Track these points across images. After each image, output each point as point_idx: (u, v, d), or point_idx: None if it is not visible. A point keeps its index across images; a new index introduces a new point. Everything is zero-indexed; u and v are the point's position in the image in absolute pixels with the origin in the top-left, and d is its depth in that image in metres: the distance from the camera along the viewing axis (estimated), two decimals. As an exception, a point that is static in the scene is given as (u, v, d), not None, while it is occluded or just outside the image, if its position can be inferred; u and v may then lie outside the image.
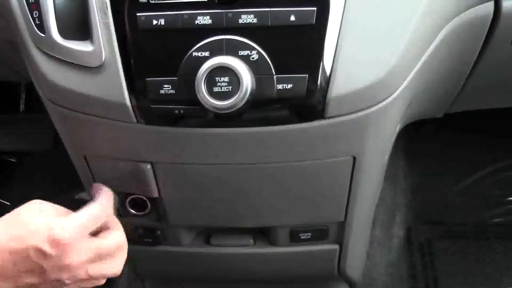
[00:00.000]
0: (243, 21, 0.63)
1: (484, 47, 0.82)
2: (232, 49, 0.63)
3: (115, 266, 0.68)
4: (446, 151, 1.58)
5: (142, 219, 0.88)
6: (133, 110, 0.68)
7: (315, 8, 0.63)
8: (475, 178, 1.55)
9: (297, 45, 0.64)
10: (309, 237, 0.93)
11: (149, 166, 0.77)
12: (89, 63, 0.66)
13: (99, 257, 0.66)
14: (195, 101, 0.63)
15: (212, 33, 0.64)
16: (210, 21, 0.63)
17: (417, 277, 1.41)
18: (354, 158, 0.77)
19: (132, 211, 0.86)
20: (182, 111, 0.67)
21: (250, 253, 1.00)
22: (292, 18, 0.63)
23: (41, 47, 0.68)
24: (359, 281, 1.17)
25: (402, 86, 0.70)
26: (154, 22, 0.64)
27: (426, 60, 0.72)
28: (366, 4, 0.65)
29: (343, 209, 0.87)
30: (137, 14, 0.64)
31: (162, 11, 0.64)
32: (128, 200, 0.85)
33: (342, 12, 0.64)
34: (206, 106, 0.63)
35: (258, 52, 0.63)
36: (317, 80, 0.65)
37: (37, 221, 0.62)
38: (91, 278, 0.66)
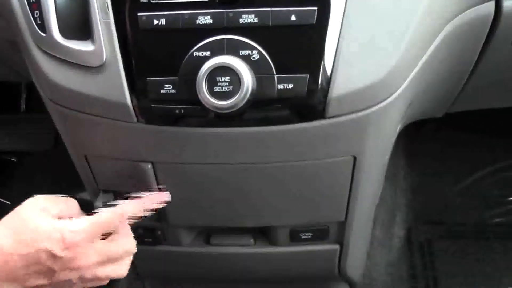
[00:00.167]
0: (244, 21, 0.63)
1: (484, 47, 0.82)
2: (233, 49, 0.63)
3: (122, 268, 0.69)
4: (446, 151, 1.59)
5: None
6: (134, 110, 0.68)
7: (315, 8, 0.63)
8: (475, 178, 1.55)
9: (298, 45, 0.64)
10: (309, 237, 0.93)
11: (149, 166, 0.77)
12: (90, 63, 0.66)
13: (108, 260, 0.67)
14: (195, 101, 0.63)
15: (213, 33, 0.64)
16: (211, 21, 0.63)
17: (417, 277, 1.41)
18: (355, 158, 0.77)
19: (133, 211, 0.86)
20: (182, 111, 0.67)
21: (250, 253, 1.00)
22: (293, 18, 0.63)
23: (42, 46, 0.68)
24: (359, 281, 1.17)
25: (403, 86, 0.70)
26: (155, 22, 0.64)
27: (427, 60, 0.72)
28: (366, 4, 0.65)
29: (343, 209, 0.87)
30: (138, 14, 0.64)
31: (163, 11, 0.64)
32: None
33: (343, 12, 0.64)
34: (207, 106, 0.63)
35: (259, 52, 0.63)
36: (318, 80, 0.65)
37: (45, 224, 0.62)
38: (97, 279, 0.67)
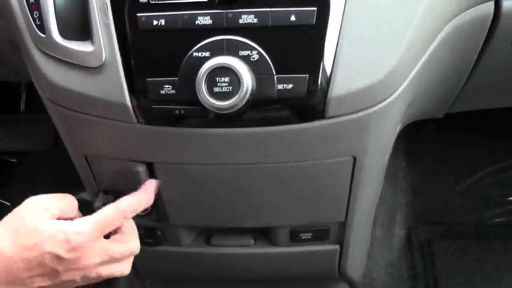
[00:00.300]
0: (243, 21, 0.63)
1: (484, 47, 0.82)
2: (232, 49, 0.63)
3: (125, 267, 0.70)
4: (446, 151, 1.59)
5: (143, 219, 0.88)
6: (134, 110, 0.68)
7: (315, 8, 0.63)
8: (475, 178, 1.55)
9: (297, 45, 0.64)
10: (309, 237, 0.93)
11: (142, 169, 0.77)
12: (89, 63, 0.66)
13: (111, 260, 0.67)
14: (195, 101, 0.63)
15: (213, 33, 0.64)
16: (210, 21, 0.63)
17: (417, 277, 1.41)
18: (355, 158, 0.77)
19: (133, 211, 0.86)
20: (182, 111, 0.67)
21: (250, 253, 1.00)
22: (293, 18, 0.63)
23: (42, 47, 0.68)
24: (359, 281, 1.17)
25: (403, 86, 0.70)
26: (155, 22, 0.64)
27: (427, 60, 0.72)
28: (366, 4, 0.65)
29: (343, 209, 0.87)
30: (138, 14, 0.64)
31: (162, 12, 0.64)
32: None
33: (342, 12, 0.64)
34: (207, 106, 0.63)
35: (259, 52, 0.63)
36: (318, 80, 0.65)
37: (48, 225, 0.62)
38: (100, 277, 0.67)
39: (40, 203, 0.65)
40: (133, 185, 0.78)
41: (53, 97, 0.72)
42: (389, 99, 0.70)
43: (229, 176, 0.79)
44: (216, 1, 0.63)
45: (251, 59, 0.63)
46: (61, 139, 0.81)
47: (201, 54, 0.64)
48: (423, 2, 0.66)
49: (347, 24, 0.64)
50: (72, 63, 0.67)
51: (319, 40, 0.64)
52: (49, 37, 0.66)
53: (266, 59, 0.64)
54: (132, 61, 0.66)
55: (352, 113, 0.68)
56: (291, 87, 0.64)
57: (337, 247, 0.98)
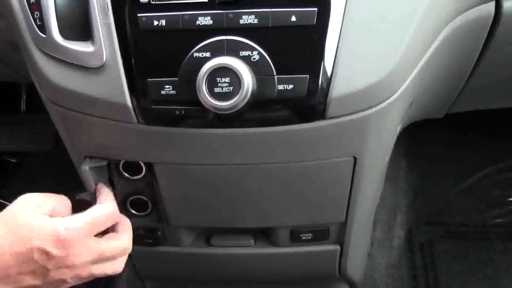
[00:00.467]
0: (244, 21, 0.63)
1: (484, 47, 0.82)
2: (233, 49, 0.63)
3: (117, 266, 0.69)
4: (447, 151, 1.59)
5: (143, 219, 0.88)
6: (134, 111, 0.68)
7: (315, 9, 0.63)
8: (476, 178, 1.55)
9: (298, 46, 0.64)
10: (309, 237, 0.93)
11: (87, 167, 0.76)
12: (90, 64, 0.66)
13: (103, 259, 0.66)
14: (196, 102, 0.63)
15: (213, 34, 0.64)
16: (211, 22, 0.63)
17: (418, 277, 1.41)
18: (355, 159, 0.77)
19: (133, 211, 0.86)
20: (183, 112, 0.67)
21: (250, 254, 1.00)
22: (293, 18, 0.63)
23: (42, 47, 0.68)
24: (360, 282, 1.17)
25: (403, 87, 0.70)
26: (155, 22, 0.64)
27: (427, 60, 0.72)
28: (366, 5, 0.65)
29: (344, 209, 0.87)
30: (138, 14, 0.64)
31: (163, 12, 0.64)
32: (129, 200, 0.85)
33: (343, 12, 0.64)
34: (207, 107, 0.63)
35: (259, 53, 0.63)
36: (318, 80, 0.65)
37: (39, 221, 0.61)
38: (92, 276, 0.66)
39: (32, 199, 0.64)
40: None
41: (54, 98, 0.72)
42: (390, 100, 0.70)
43: (229, 176, 0.79)
44: (217, 2, 0.63)
45: (252, 60, 0.63)
46: (61, 139, 0.81)
47: (202, 55, 0.64)
48: (424, 3, 0.66)
49: (348, 24, 0.64)
50: (73, 63, 0.67)
51: (320, 40, 0.64)
52: (50, 37, 0.66)
53: (267, 59, 0.64)
54: (133, 61, 0.66)
55: (353, 113, 0.68)
56: (292, 88, 0.64)
57: (337, 247, 0.98)
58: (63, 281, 0.64)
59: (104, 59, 0.66)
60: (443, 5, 0.69)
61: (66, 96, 0.69)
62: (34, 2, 0.67)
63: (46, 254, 0.60)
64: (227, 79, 0.62)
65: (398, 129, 0.87)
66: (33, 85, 0.76)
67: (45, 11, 0.66)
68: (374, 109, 0.69)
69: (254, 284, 1.17)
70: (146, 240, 0.94)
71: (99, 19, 0.65)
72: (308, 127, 0.69)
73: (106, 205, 0.69)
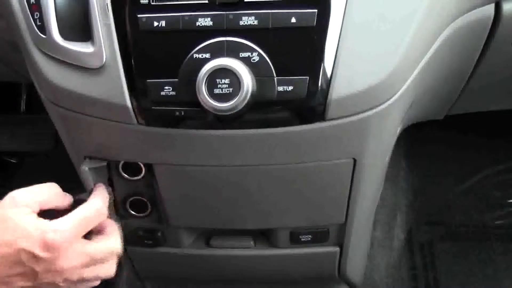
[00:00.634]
0: (244, 23, 0.63)
1: (484, 49, 0.82)
2: (233, 51, 0.63)
3: (109, 268, 0.68)
4: (447, 152, 1.58)
5: (143, 220, 0.88)
6: (134, 112, 0.68)
7: (315, 10, 0.63)
8: (476, 179, 1.55)
9: (298, 47, 0.64)
10: (309, 239, 0.93)
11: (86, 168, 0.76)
12: (90, 65, 0.66)
13: (93, 262, 0.65)
14: (195, 103, 0.63)
15: (213, 35, 0.64)
16: (211, 23, 0.63)
17: (418, 277, 1.40)
18: (355, 160, 0.77)
19: (133, 212, 0.86)
20: (182, 113, 0.67)
21: (250, 255, 1.00)
22: (293, 20, 0.63)
23: (42, 48, 0.67)
24: (359, 283, 1.17)
25: (403, 88, 0.70)
26: (155, 23, 0.64)
27: (427, 62, 0.72)
28: (367, 6, 0.64)
29: (343, 211, 0.87)
30: (138, 15, 0.64)
31: (163, 13, 0.64)
32: (128, 201, 0.85)
33: (343, 14, 0.64)
34: (207, 108, 0.63)
35: (259, 54, 0.63)
36: (318, 82, 0.64)
37: (25, 222, 0.61)
38: (85, 280, 0.65)
39: (18, 198, 0.63)
40: None
41: (53, 98, 0.72)
42: (390, 101, 0.69)
43: (229, 177, 0.79)
44: (217, 3, 0.63)
45: (252, 61, 0.63)
46: (61, 139, 0.81)
47: (202, 56, 0.64)
48: (424, 4, 0.66)
49: (348, 25, 0.64)
50: (73, 64, 0.67)
51: (320, 42, 0.64)
52: (50, 37, 0.66)
53: (267, 60, 0.63)
54: (133, 62, 0.66)
55: (353, 115, 0.68)
56: (292, 89, 0.64)
57: (337, 249, 0.98)
58: (55, 285, 0.63)
59: (104, 60, 0.66)
60: (443, 6, 0.69)
61: (66, 97, 0.69)
62: (34, 2, 0.66)
63: (34, 256, 0.60)
64: (227, 80, 0.62)
65: (398, 130, 0.87)
66: (33, 85, 0.76)
67: (45, 11, 0.66)
68: (374, 111, 0.69)
69: (254, 284, 1.17)
70: (145, 241, 0.94)
71: (99, 20, 0.65)
72: (308, 129, 0.69)
73: (92, 203, 0.67)
